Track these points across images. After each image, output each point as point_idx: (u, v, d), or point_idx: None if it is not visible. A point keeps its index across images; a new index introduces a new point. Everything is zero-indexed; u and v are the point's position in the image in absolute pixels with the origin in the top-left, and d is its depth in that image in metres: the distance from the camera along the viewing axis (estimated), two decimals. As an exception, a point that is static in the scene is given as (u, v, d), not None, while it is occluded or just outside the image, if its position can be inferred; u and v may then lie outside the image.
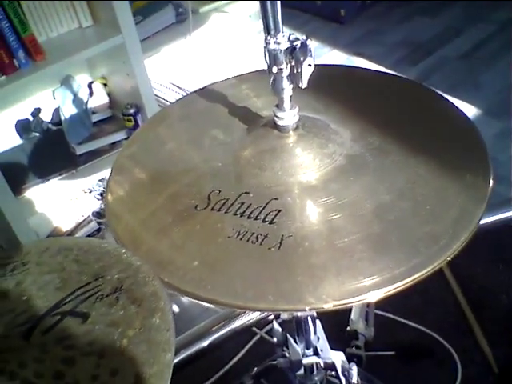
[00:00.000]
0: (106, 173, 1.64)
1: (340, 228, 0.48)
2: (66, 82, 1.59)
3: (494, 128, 2.13)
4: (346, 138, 0.57)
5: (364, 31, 2.85)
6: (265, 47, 0.50)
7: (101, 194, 1.84)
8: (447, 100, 0.63)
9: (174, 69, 1.75)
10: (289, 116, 0.55)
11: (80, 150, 1.53)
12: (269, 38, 0.49)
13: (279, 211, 0.50)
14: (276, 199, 0.52)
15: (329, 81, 0.65)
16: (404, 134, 0.57)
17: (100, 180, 1.75)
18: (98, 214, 1.80)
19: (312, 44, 0.50)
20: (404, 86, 0.68)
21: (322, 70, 0.53)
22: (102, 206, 1.82)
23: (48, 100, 1.59)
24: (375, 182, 0.52)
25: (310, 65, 0.48)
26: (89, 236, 1.74)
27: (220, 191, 0.54)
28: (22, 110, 1.56)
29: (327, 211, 0.50)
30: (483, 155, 0.55)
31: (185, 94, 1.68)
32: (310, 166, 0.54)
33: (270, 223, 0.50)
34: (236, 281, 0.45)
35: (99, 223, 1.77)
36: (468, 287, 1.18)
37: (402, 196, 0.50)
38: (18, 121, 1.56)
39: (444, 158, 0.54)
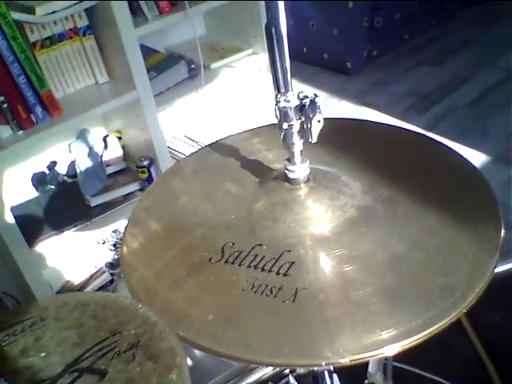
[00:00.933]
0: (119, 224, 1.66)
1: (354, 280, 0.48)
2: (82, 135, 1.63)
3: (503, 175, 2.14)
4: (357, 189, 0.58)
5: (371, 82, 2.92)
6: (275, 104, 0.52)
7: (114, 245, 1.85)
8: (455, 151, 0.64)
9: (187, 122, 1.79)
10: (300, 169, 0.57)
11: (94, 201, 1.55)
12: (279, 96, 0.51)
13: (292, 263, 0.51)
14: (289, 251, 0.52)
15: (338, 134, 0.67)
16: (413, 186, 0.58)
17: (113, 231, 1.77)
18: (111, 265, 1.80)
19: (320, 99, 0.52)
20: (412, 138, 0.70)
21: (331, 123, 0.54)
22: (116, 256, 1.83)
23: (64, 153, 1.63)
24: (387, 234, 0.53)
25: (319, 121, 0.50)
26: (102, 287, 1.74)
27: (234, 244, 0.54)
28: (38, 162, 1.60)
29: (340, 263, 0.50)
30: (493, 205, 0.55)
31: (197, 146, 1.72)
32: (321, 218, 0.55)
33: (284, 275, 0.50)
34: (251, 335, 0.45)
35: (112, 274, 1.77)
36: (487, 336, 1.16)
37: (415, 247, 0.51)
38: (34, 174, 1.60)
39: (454, 209, 0.55)
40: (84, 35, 1.39)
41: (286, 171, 0.57)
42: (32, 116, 1.31)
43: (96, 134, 1.66)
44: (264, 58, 1.70)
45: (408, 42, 3.20)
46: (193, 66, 1.60)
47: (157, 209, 0.65)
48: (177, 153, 1.71)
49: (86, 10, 1.34)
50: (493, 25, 3.36)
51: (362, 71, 3.00)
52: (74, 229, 1.50)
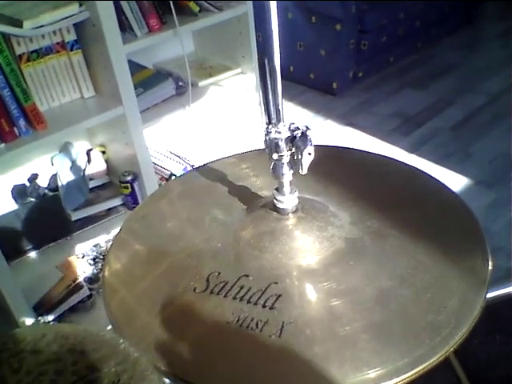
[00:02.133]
0: (100, 239, 1.64)
1: (342, 315, 0.48)
2: (65, 148, 1.61)
3: (486, 198, 2.16)
4: (345, 220, 0.58)
5: (356, 103, 2.95)
6: (266, 135, 0.51)
7: (94, 259, 1.82)
8: (443, 183, 0.65)
9: (173, 138, 1.78)
10: (288, 200, 0.56)
11: (75, 215, 1.52)
12: (270, 127, 0.51)
13: (279, 296, 0.50)
14: (276, 283, 0.51)
15: (326, 161, 0.66)
16: (402, 218, 0.58)
17: (94, 245, 1.74)
18: (90, 280, 1.77)
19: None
20: (400, 168, 0.70)
21: (320, 151, 0.54)
22: (95, 271, 1.80)
23: (46, 166, 1.61)
24: (375, 267, 0.52)
25: (309, 153, 0.50)
26: (80, 302, 1.71)
27: (219, 273, 0.53)
28: (19, 175, 1.57)
29: (328, 297, 0.50)
30: (481, 240, 0.56)
31: (183, 163, 1.71)
32: (309, 249, 0.54)
33: (271, 308, 0.49)
34: (236, 371, 0.44)
35: (91, 289, 1.74)
36: (466, 361, 1.16)
37: (403, 283, 0.50)
38: (14, 186, 1.57)
39: (442, 243, 0.55)
40: (71, 49, 1.38)
41: (275, 201, 0.57)
42: (15, 129, 1.28)
43: (79, 148, 1.64)
44: (252, 77, 1.70)
45: (393, 64, 3.25)
46: (180, 84, 1.59)
47: (142, 232, 0.63)
48: (162, 169, 1.70)
49: (74, 24, 1.33)
50: (477, 50, 3.43)
51: (347, 92, 3.03)
52: (54, 243, 1.47)
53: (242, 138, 1.76)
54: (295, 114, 2.85)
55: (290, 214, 0.57)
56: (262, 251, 0.55)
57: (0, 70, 1.21)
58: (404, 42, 3.21)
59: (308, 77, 3.04)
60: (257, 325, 0.47)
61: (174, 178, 1.63)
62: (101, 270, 1.78)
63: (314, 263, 0.53)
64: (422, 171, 0.68)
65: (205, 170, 0.74)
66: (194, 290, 0.52)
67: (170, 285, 0.54)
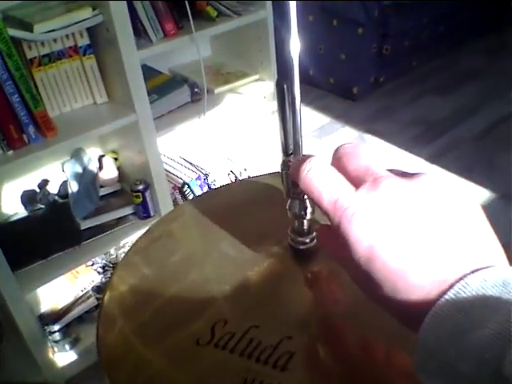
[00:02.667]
0: (109, 248, 1.59)
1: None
2: (76, 154, 1.57)
3: (509, 213, 2.08)
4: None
5: (376, 108, 2.87)
6: (282, 170, 0.46)
7: (103, 267, 1.79)
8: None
9: (187, 146, 1.74)
10: (307, 241, 0.50)
11: (85, 224, 1.48)
12: (287, 160, 0.45)
13: (293, 354, 0.44)
14: (289, 338, 0.46)
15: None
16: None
17: (104, 253, 1.70)
18: (98, 289, 1.73)
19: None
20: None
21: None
22: (103, 280, 1.76)
23: (57, 172, 1.57)
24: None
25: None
26: (87, 312, 1.67)
27: (226, 322, 0.48)
28: (29, 180, 1.54)
29: (352, 357, 0.44)
30: None
31: (197, 172, 1.66)
32: (329, 298, 0.49)
33: (282, 370, 0.43)
34: None
35: (98, 299, 1.70)
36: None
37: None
38: (24, 191, 1.53)
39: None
40: (84, 54, 1.34)
41: (291, 241, 0.51)
42: (24, 136, 1.25)
43: (91, 154, 1.60)
44: (270, 84, 1.64)
45: (416, 69, 3.17)
46: (196, 90, 1.55)
47: (144, 267, 0.58)
48: (174, 177, 1.65)
49: (87, 28, 1.29)
50: (503, 56, 3.32)
51: (367, 97, 2.96)
52: (62, 252, 1.43)
53: (260, 147, 1.70)
54: (313, 119, 2.79)
55: (307, 256, 0.51)
56: (275, 298, 0.49)
57: (9, 75, 1.16)
58: (427, 46, 3.12)
59: (328, 81, 2.98)
60: (266, 389, 0.42)
61: (187, 188, 1.58)
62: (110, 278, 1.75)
63: (334, 314, 0.47)
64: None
65: (223, 192, 0.68)
66: (197, 341, 0.46)
67: (170, 334, 0.48)
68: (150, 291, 0.55)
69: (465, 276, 0.30)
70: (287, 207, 0.48)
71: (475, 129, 2.65)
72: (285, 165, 0.46)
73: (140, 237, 0.64)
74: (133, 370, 0.46)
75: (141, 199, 1.48)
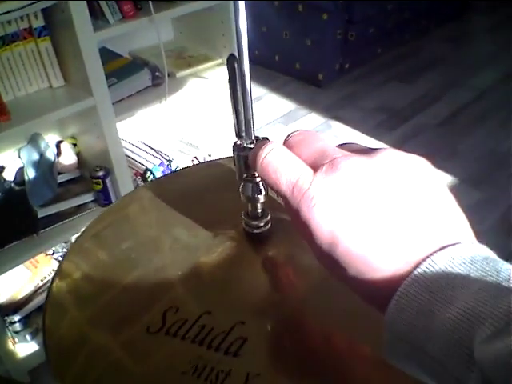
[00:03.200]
0: (69, 236, 1.55)
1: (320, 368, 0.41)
2: (33, 140, 1.52)
3: (471, 197, 2.12)
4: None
5: (342, 95, 2.88)
6: (234, 152, 0.44)
7: (63, 257, 1.74)
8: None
9: (149, 132, 1.70)
10: (260, 224, 0.49)
11: (43, 212, 1.44)
12: (239, 142, 0.44)
13: (245, 340, 0.43)
14: (242, 323, 0.44)
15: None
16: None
17: (64, 242, 1.66)
18: (60, 279, 1.69)
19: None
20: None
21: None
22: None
23: (12, 158, 1.52)
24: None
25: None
26: (48, 302, 1.63)
27: (178, 309, 0.46)
28: (-17, 167, 1.48)
29: (306, 343, 0.43)
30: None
31: (159, 157, 1.63)
32: (283, 283, 0.48)
33: (235, 355, 0.42)
34: None
35: (60, 288, 1.66)
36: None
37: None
38: (-22, 179, 1.48)
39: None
40: (39, 36, 1.29)
41: (245, 225, 0.50)
42: (-26, 120, 1.19)
43: (49, 140, 1.55)
44: (233, 68, 1.61)
45: (381, 56, 3.18)
46: (157, 74, 1.51)
47: (94, 255, 0.56)
48: (137, 163, 1.62)
49: (42, 9, 1.24)
50: (466, 43, 3.38)
51: (333, 84, 2.96)
52: (20, 241, 1.38)
53: (224, 133, 1.68)
54: (279, 106, 2.77)
55: (262, 241, 0.50)
56: (229, 283, 0.48)
57: (-42, 58, 1.11)
58: (392, 33, 3.14)
59: (294, 67, 2.97)
60: (217, 377, 0.41)
61: (149, 174, 1.55)
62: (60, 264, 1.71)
63: (290, 299, 0.46)
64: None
65: (183, 174, 0.67)
66: (148, 329, 0.45)
67: (119, 323, 0.46)
68: (101, 279, 0.53)
69: (431, 254, 0.29)
70: (240, 190, 0.47)
71: (438, 115, 2.69)
72: (236, 147, 0.44)
73: (93, 221, 0.62)
74: (84, 361, 0.44)
75: (101, 186, 1.45)
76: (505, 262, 0.29)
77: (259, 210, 0.49)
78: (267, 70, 2.99)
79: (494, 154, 2.38)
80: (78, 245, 0.58)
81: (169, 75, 1.48)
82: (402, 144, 2.45)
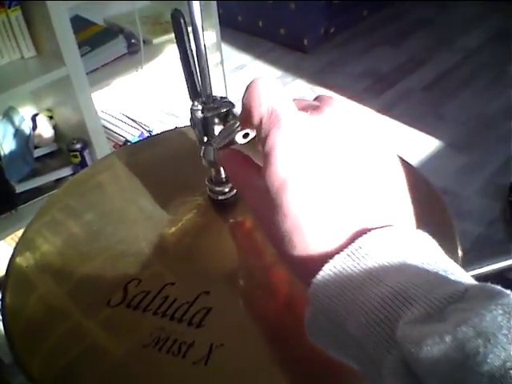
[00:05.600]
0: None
1: (287, 336, 0.39)
2: (8, 114, 1.47)
3: (457, 161, 2.10)
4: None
5: (327, 61, 2.82)
6: (191, 113, 0.41)
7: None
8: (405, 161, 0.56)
9: (127, 102, 1.66)
10: (225, 191, 0.47)
11: (20, 187, 1.41)
12: (196, 103, 0.41)
13: (209, 310, 0.41)
14: (207, 293, 0.43)
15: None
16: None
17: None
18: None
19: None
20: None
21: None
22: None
23: (-13, 133, 1.47)
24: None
25: (245, 135, 0.40)
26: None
27: (140, 281, 0.44)
28: (-43, 143, 1.44)
29: (271, 312, 0.41)
30: (448, 223, 0.48)
31: (138, 127, 1.59)
32: (249, 251, 0.46)
33: (198, 326, 0.40)
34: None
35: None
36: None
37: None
38: (-48, 155, 1.44)
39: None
40: (9, 7, 1.24)
41: (209, 192, 0.48)
42: None
43: (24, 113, 1.51)
44: (212, 35, 1.57)
45: (366, 19, 3.12)
46: (133, 41, 1.46)
47: (55, 226, 0.54)
48: (116, 135, 1.58)
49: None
50: (454, 4, 3.30)
51: (318, 49, 2.90)
52: (-3, 218, 1.36)
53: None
54: (263, 73, 2.72)
55: (228, 208, 0.48)
56: (193, 253, 0.46)
57: None
58: (377, -5, 3.06)
59: (278, 32, 2.90)
60: (179, 348, 0.39)
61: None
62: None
63: (254, 268, 0.45)
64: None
65: (156, 142, 0.64)
66: (108, 302, 0.43)
67: (78, 297, 0.44)
68: (60, 252, 0.50)
69: (369, 231, 0.27)
70: (201, 155, 0.45)
71: (424, 80, 2.65)
72: (193, 109, 0.42)
73: (57, 191, 0.60)
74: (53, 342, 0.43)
75: (79, 159, 1.42)
76: (446, 256, 0.27)
77: (223, 175, 0.46)
78: (251, 37, 2.92)
79: (480, 117, 2.35)
80: (39, 215, 0.55)
81: (144, 42, 1.43)
82: (388, 109, 2.42)
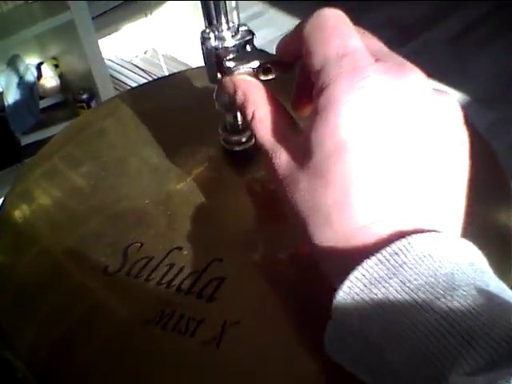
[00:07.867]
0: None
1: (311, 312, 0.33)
2: (12, 63, 1.40)
3: (486, 117, 2.01)
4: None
5: (347, 10, 2.68)
6: (202, 44, 0.34)
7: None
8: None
9: (137, 50, 1.57)
10: (242, 139, 0.40)
11: (26, 140, 1.35)
12: (208, 31, 0.33)
13: (223, 280, 0.35)
14: (220, 260, 0.36)
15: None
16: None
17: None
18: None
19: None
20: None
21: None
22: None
23: (-9, 83, 1.41)
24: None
25: (266, 69, 0.32)
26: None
27: (142, 245, 0.38)
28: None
29: (294, 284, 0.35)
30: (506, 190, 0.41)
31: (147, 77, 1.51)
32: (269, 212, 0.39)
33: (209, 300, 0.34)
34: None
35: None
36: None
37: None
38: (-45, 105, 1.38)
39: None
40: None
41: (223, 142, 0.41)
42: None
43: (29, 62, 1.43)
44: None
45: (390, -34, 2.94)
46: (141, -17, 1.36)
47: (47, 183, 0.47)
48: (124, 84, 1.50)
49: None
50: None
51: (338, -2, 2.76)
52: (2, 172, 1.31)
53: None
54: (281, 23, 2.59)
55: (245, 161, 0.41)
56: (204, 213, 0.39)
57: None
58: None
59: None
60: (187, 326, 0.33)
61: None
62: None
63: (276, 232, 0.38)
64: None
65: (165, 84, 0.57)
66: (105, 270, 0.37)
67: (72, 263, 0.38)
68: (53, 209, 0.44)
69: (410, 234, 0.21)
70: (214, 97, 0.37)
71: (449, 31, 2.52)
72: (204, 37, 0.34)
73: (55, 137, 0.53)
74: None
75: (86, 110, 1.35)
76: (492, 273, 0.22)
77: (240, 122, 0.39)
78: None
79: (508, 72, 2.24)
80: (34, 164, 0.49)
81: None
82: (412, 61, 2.30)
